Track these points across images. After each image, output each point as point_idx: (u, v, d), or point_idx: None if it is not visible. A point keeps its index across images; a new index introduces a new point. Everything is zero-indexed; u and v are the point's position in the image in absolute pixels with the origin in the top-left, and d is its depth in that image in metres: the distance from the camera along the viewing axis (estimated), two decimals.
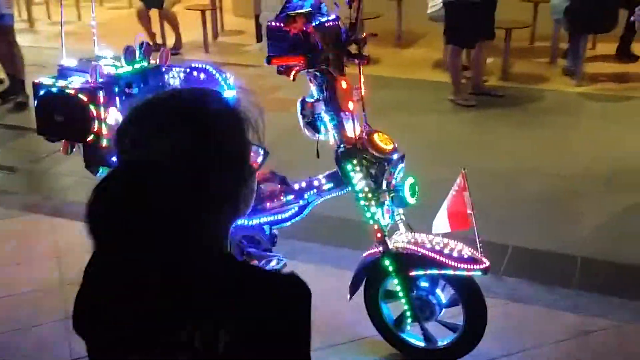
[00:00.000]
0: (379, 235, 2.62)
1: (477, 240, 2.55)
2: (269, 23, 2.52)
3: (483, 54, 5.98)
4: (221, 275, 1.08)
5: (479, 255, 2.54)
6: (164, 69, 3.04)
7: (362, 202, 2.60)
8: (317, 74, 2.54)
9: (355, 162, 2.57)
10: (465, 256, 2.55)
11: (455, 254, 2.55)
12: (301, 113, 2.61)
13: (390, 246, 2.62)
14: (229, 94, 2.79)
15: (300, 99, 2.66)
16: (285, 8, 2.51)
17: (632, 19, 5.33)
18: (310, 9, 2.45)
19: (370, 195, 2.58)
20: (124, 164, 1.10)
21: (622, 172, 4.53)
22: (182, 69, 2.91)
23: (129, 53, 2.93)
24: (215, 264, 1.08)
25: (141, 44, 2.97)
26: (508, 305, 3.17)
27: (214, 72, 2.87)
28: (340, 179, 2.69)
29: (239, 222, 2.73)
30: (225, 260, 1.13)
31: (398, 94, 6.16)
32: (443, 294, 2.72)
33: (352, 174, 2.58)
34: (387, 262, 2.64)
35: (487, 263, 2.53)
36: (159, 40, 7.75)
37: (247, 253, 2.92)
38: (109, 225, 1.01)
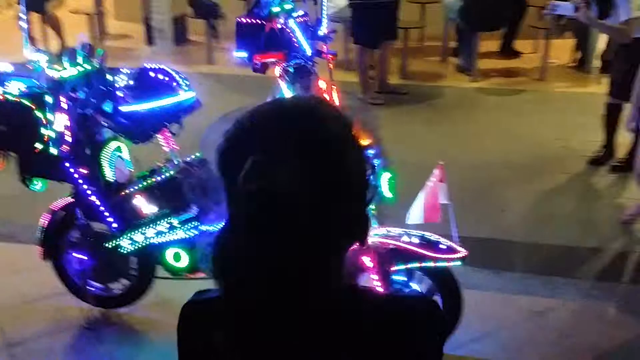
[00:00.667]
0: None
1: (455, 229, 2.59)
2: (240, 20, 2.44)
3: (387, 53, 6.12)
4: (356, 308, 0.98)
5: (456, 245, 2.59)
6: (107, 71, 2.87)
7: None
8: (291, 70, 2.49)
9: None
10: (444, 247, 2.59)
11: (433, 246, 2.59)
12: None
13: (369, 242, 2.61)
14: (187, 95, 2.69)
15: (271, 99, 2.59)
16: (259, 4, 2.44)
17: (544, 12, 5.68)
18: (290, 5, 2.40)
19: None
20: (249, 196, 0.89)
21: (535, 158, 4.81)
22: (133, 71, 2.75)
23: (71, 55, 2.73)
24: (347, 296, 0.99)
25: (83, 45, 2.78)
26: (464, 292, 3.25)
27: (173, 73, 2.74)
28: None
29: (201, 228, 2.63)
30: (354, 291, 1.02)
31: None
32: (418, 286, 2.75)
33: None
34: (366, 259, 2.62)
35: (465, 252, 2.58)
36: (40, 46, 7.27)
37: None
38: (240, 273, 0.90)
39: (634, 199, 4.06)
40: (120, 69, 2.78)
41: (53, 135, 2.61)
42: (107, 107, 2.75)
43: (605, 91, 4.82)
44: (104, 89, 2.79)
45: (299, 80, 2.47)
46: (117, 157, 2.88)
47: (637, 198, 4.01)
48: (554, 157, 4.88)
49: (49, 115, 2.59)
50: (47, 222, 3.00)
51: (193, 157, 2.86)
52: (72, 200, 2.91)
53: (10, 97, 2.59)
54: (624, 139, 4.60)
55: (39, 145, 2.62)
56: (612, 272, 3.51)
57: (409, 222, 2.66)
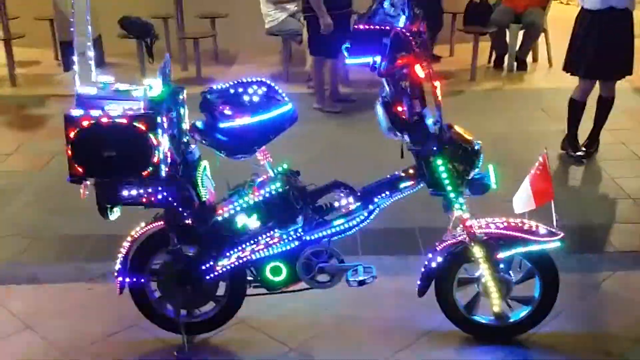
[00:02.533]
0: (467, 223, 2.73)
1: (554, 213, 2.78)
2: (358, 27, 2.50)
3: (339, 63, 6.26)
4: None
5: (554, 228, 2.78)
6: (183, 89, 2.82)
7: (451, 195, 2.69)
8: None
9: (445, 155, 2.65)
10: (543, 231, 2.77)
11: (533, 229, 2.77)
12: (388, 114, 2.62)
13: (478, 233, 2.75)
14: (287, 107, 2.70)
15: (381, 102, 2.67)
16: (375, 13, 2.53)
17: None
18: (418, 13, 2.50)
19: (460, 186, 2.68)
20: None
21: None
22: (229, 86, 2.70)
23: (165, 74, 2.65)
24: None
25: (166, 64, 2.71)
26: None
27: (272, 84, 2.74)
28: (416, 176, 2.74)
29: (303, 238, 2.67)
30: None
31: None
32: (514, 271, 2.91)
33: (441, 167, 2.66)
34: (476, 249, 2.75)
35: (562, 233, 2.78)
36: None
37: (319, 269, 2.81)
38: None
39: None
40: (214, 85, 2.72)
41: (162, 157, 2.52)
42: (200, 124, 2.69)
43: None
44: (178, 107, 2.73)
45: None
46: (206, 176, 2.82)
47: None
48: (522, 149, 5.22)
49: (160, 138, 2.49)
50: (127, 251, 2.86)
51: (282, 168, 2.85)
52: (160, 225, 2.80)
53: (118, 120, 2.46)
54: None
55: (148, 170, 2.51)
56: None
57: (518, 211, 2.82)
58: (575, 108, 5.01)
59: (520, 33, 7.53)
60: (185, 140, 2.78)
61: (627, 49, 4.79)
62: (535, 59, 7.88)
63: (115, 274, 2.88)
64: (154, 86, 2.63)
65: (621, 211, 4.26)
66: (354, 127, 5.81)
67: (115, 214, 2.78)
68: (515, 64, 7.57)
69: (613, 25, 4.70)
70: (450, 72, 7.45)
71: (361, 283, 2.81)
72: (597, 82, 4.94)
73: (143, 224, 2.85)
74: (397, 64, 2.45)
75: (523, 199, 2.81)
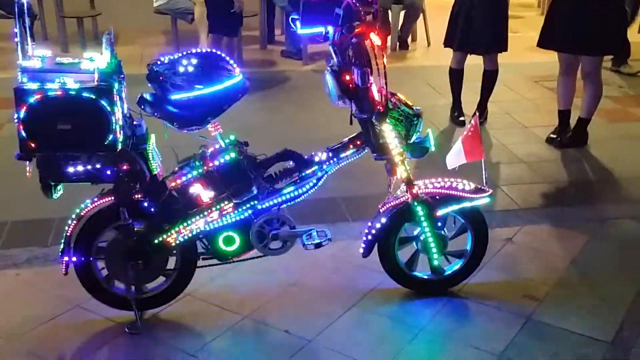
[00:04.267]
0: (411, 185, 2.91)
1: (484, 171, 3.03)
2: None
3: (236, 42, 6.30)
4: None
5: (483, 185, 3.04)
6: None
7: (397, 159, 2.86)
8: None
9: (392, 120, 2.81)
10: (474, 188, 3.02)
11: (467, 188, 3.00)
12: (338, 82, 2.73)
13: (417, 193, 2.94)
14: (238, 78, 2.75)
15: (330, 70, 2.77)
16: None
17: None
18: None
19: (402, 150, 2.86)
20: None
21: None
22: (178, 57, 2.69)
23: (112, 46, 2.61)
24: None
25: (109, 35, 2.66)
26: None
27: (223, 56, 2.76)
28: (361, 142, 2.88)
29: (257, 207, 2.75)
30: None
31: None
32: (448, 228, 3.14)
33: (387, 132, 2.81)
34: (418, 208, 2.94)
35: (491, 190, 3.04)
36: None
37: (273, 236, 2.89)
38: None
39: None
40: (161, 57, 2.70)
41: (118, 129, 2.48)
42: (148, 96, 2.67)
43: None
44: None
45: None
46: (154, 149, 2.80)
47: None
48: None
49: (116, 109, 2.45)
50: (72, 230, 2.78)
51: (230, 139, 2.88)
52: (109, 201, 2.75)
53: (72, 92, 2.39)
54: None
55: (107, 142, 2.47)
56: None
57: (450, 166, 3.04)
58: (454, 76, 5.46)
59: (402, 14, 7.90)
60: (129, 113, 2.74)
61: (493, 26, 5.21)
62: (414, 39, 8.28)
63: (60, 253, 2.80)
64: (95, 58, 2.59)
65: (517, 173, 4.65)
66: (262, 106, 5.86)
67: (59, 192, 2.71)
68: (398, 43, 7.92)
69: (479, 4, 5.14)
70: None
71: (317, 246, 2.92)
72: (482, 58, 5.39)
73: (88, 201, 2.79)
74: (354, 32, 2.56)
75: (455, 156, 3.04)
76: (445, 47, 5.45)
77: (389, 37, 7.88)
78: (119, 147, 2.50)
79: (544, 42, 4.98)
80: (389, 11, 7.79)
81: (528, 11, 10.29)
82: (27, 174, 2.58)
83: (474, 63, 5.50)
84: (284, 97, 6.19)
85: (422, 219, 2.97)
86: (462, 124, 5.40)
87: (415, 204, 2.94)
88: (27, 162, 2.55)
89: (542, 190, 4.43)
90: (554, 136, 5.10)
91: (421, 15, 7.98)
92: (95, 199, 2.78)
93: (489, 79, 5.48)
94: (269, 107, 5.83)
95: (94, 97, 2.40)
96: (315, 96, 6.12)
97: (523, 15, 9.87)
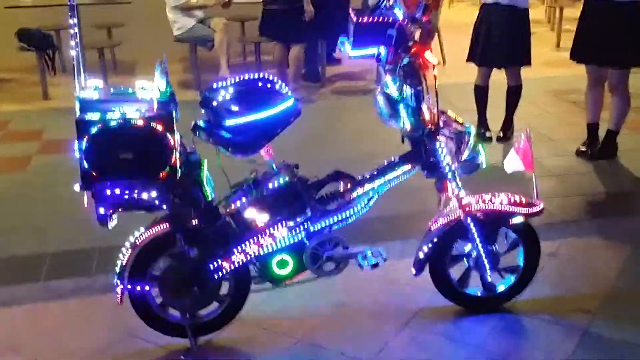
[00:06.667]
0: (464, 202, 2.91)
1: (535, 185, 3.03)
2: (361, 20, 2.60)
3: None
4: None
5: (533, 199, 3.03)
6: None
7: (449, 175, 2.86)
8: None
9: (442, 139, 2.81)
10: (525, 202, 3.01)
11: (519, 202, 2.99)
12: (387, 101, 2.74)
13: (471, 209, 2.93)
14: (290, 101, 2.75)
15: (381, 91, 2.78)
16: (377, 8, 2.65)
17: None
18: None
19: (454, 167, 2.86)
20: None
21: None
22: (232, 83, 2.70)
23: (166, 74, 2.62)
24: None
25: (162, 65, 2.67)
26: None
27: (275, 79, 2.77)
28: (412, 161, 2.88)
29: (309, 229, 2.73)
30: None
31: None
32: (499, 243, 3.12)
33: (438, 150, 2.82)
34: (471, 224, 2.93)
35: (542, 204, 3.03)
36: None
37: (327, 257, 2.88)
38: None
39: None
40: (216, 82, 2.71)
41: (179, 157, 2.49)
42: (201, 122, 2.68)
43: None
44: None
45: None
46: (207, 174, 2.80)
47: None
48: None
49: (176, 138, 2.46)
50: (128, 258, 2.78)
51: (281, 162, 2.88)
52: (164, 229, 2.74)
53: (133, 121, 2.40)
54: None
55: (166, 170, 2.47)
56: None
57: (508, 171, 3.04)
58: (479, 92, 5.47)
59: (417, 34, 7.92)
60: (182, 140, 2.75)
61: (515, 41, 5.23)
62: None
63: (115, 283, 2.79)
64: (147, 88, 2.60)
65: (550, 186, 4.63)
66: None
67: (114, 221, 2.70)
68: None
69: (499, 19, 5.16)
70: (354, 74, 7.72)
71: (374, 266, 2.90)
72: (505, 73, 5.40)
73: (142, 229, 2.78)
74: (411, 52, 2.58)
75: (512, 162, 3.05)
76: (467, 61, 5.48)
77: None
78: (179, 174, 2.51)
79: (577, 55, 5.00)
80: None
81: (538, 27, 10.31)
82: (85, 204, 2.58)
83: (496, 79, 5.51)
84: (309, 118, 6.18)
85: (475, 235, 2.96)
86: (489, 140, 5.41)
87: (468, 220, 2.93)
88: (85, 192, 2.55)
89: (578, 203, 4.42)
90: (584, 149, 5.10)
91: (436, 34, 8.01)
92: (150, 227, 2.77)
93: (513, 94, 5.49)
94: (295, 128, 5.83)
95: (155, 125, 2.41)
96: (339, 117, 6.15)
97: (534, 32, 9.89)
